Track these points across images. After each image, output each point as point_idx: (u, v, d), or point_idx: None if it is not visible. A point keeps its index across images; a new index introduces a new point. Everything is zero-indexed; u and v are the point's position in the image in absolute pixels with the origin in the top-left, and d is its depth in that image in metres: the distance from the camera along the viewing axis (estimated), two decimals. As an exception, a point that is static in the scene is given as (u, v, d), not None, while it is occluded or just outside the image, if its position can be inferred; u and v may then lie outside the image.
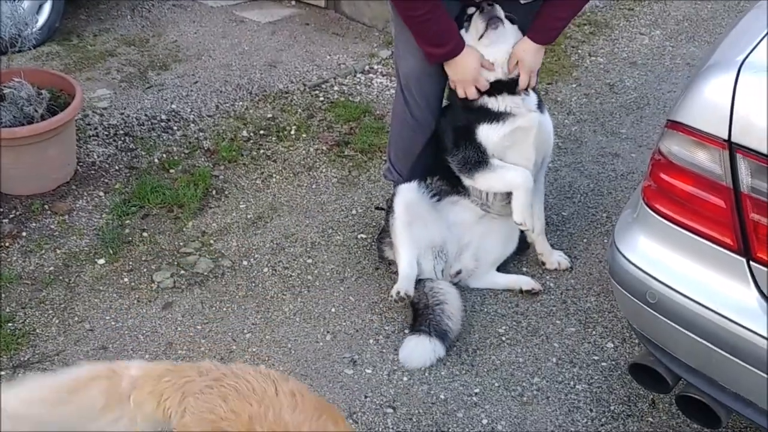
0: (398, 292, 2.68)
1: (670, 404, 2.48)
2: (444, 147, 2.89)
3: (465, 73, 2.71)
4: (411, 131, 2.97)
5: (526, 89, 2.75)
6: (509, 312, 2.89)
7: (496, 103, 2.75)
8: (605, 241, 3.29)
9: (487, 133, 2.75)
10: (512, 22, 2.73)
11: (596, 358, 2.68)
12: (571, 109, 4.38)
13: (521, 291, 2.95)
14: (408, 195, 2.86)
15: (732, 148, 1.66)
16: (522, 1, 2.66)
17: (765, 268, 1.71)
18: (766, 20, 1.91)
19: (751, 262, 1.73)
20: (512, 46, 2.71)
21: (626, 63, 4.95)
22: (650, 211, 1.89)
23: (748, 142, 1.64)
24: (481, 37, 2.69)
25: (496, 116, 2.74)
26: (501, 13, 2.69)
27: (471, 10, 2.71)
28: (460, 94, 2.76)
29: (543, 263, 3.09)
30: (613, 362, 2.66)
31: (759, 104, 1.63)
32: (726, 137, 1.66)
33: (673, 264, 1.84)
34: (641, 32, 5.43)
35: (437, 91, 2.92)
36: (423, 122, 2.94)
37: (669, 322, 1.85)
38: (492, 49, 2.71)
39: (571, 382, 2.58)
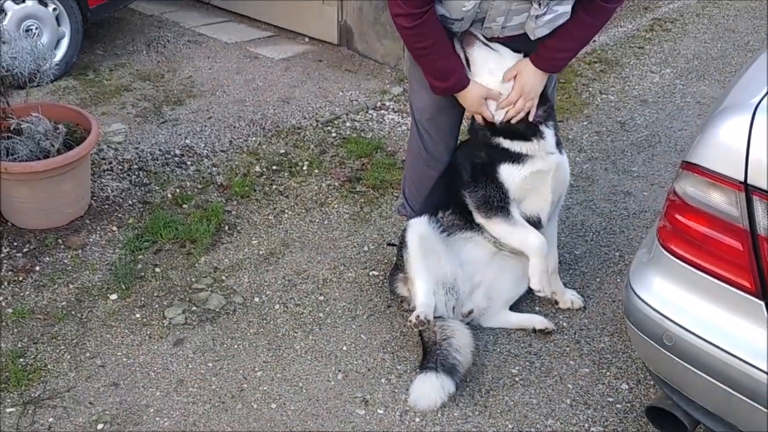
0: (417, 316, 2.62)
1: (687, 448, 2.44)
2: (461, 180, 2.88)
3: (470, 106, 2.76)
4: (425, 166, 2.98)
5: (537, 130, 2.74)
6: (522, 352, 2.87)
7: (523, 147, 2.74)
8: (618, 280, 3.27)
9: (509, 174, 2.73)
10: (517, 51, 2.74)
11: (611, 399, 2.65)
12: (583, 146, 4.39)
13: (534, 330, 2.92)
14: (420, 228, 2.85)
15: (748, 189, 1.66)
16: (532, 37, 2.67)
17: (784, 312, 1.69)
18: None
19: (770, 305, 1.71)
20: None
21: (637, 101, 4.97)
22: (665, 252, 1.88)
23: (765, 184, 1.63)
24: (467, 63, 2.71)
25: (516, 157, 2.74)
26: (478, 34, 2.70)
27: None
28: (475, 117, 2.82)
29: (556, 302, 3.07)
30: (629, 404, 2.62)
31: (775, 147, 1.63)
32: (742, 179, 1.66)
33: (690, 306, 1.83)
34: (652, 70, 5.47)
35: (452, 127, 2.94)
36: (437, 157, 2.95)
37: (686, 365, 1.83)
38: (489, 77, 2.71)
39: (586, 425, 2.55)
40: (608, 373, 2.76)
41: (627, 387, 2.70)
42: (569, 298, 3.07)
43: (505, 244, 2.85)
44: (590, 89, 5.10)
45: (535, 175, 2.76)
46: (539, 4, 2.52)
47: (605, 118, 4.75)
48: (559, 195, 2.92)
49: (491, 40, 2.71)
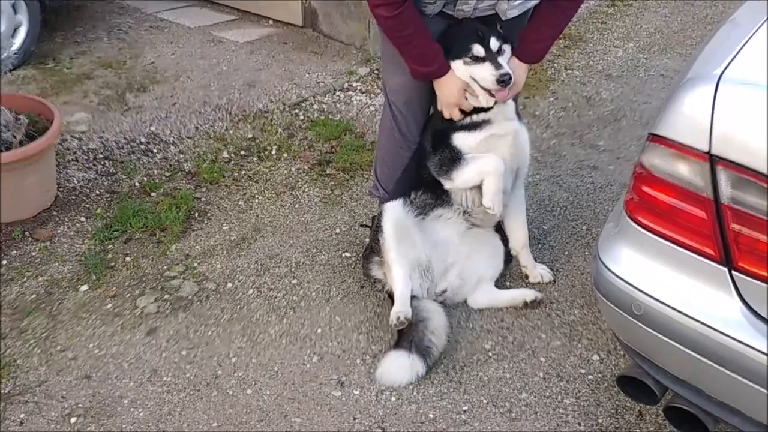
0: (398, 317, 2.65)
1: (657, 415, 2.49)
2: (426, 154, 2.91)
3: (450, 95, 2.74)
4: (398, 148, 2.99)
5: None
6: (495, 327, 2.90)
7: (476, 117, 2.78)
8: (586, 253, 3.31)
9: (463, 139, 2.78)
10: (507, 41, 2.71)
11: (583, 371, 2.69)
12: (549, 122, 4.43)
13: (526, 304, 2.94)
14: (395, 213, 2.86)
15: (713, 160, 1.69)
16: (503, 18, 2.69)
17: (747, 277, 1.73)
18: (738, 34, 1.95)
19: (733, 272, 1.75)
20: None
21: (602, 76, 5.02)
22: (633, 223, 1.91)
23: (728, 154, 1.66)
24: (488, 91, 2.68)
25: (473, 125, 2.78)
26: (504, 56, 2.68)
27: (478, 50, 2.64)
28: (446, 115, 2.79)
29: (526, 276, 3.11)
30: (600, 375, 2.67)
31: (738, 117, 1.66)
32: (707, 150, 1.69)
33: (658, 275, 1.85)
34: (615, 45, 5.52)
35: (425, 108, 2.94)
36: (410, 138, 2.96)
37: (655, 333, 1.86)
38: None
39: (559, 396, 2.59)
40: (579, 345, 2.81)
41: (598, 358, 2.75)
42: (539, 272, 3.10)
43: (474, 207, 2.86)
44: (555, 65, 5.13)
45: (491, 139, 2.78)
46: None
47: (571, 93, 4.79)
48: (519, 164, 2.92)
49: (462, 20, 2.71)
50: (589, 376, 2.67)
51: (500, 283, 3.09)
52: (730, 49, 1.82)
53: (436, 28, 2.71)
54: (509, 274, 3.14)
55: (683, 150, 1.74)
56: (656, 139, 1.81)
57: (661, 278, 1.85)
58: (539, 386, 2.63)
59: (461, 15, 2.70)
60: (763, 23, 1.90)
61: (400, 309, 2.69)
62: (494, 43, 2.66)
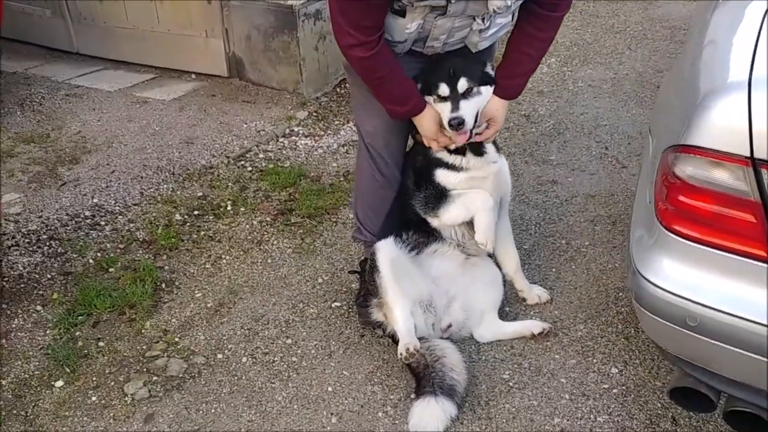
0: (407, 349, 2.54)
1: (690, 418, 2.50)
2: (407, 192, 2.87)
3: (426, 131, 2.71)
4: (381, 189, 2.92)
5: (480, 148, 2.77)
6: (507, 356, 2.84)
7: (458, 161, 2.76)
8: (573, 267, 3.33)
9: (446, 176, 2.76)
10: (486, 83, 2.67)
11: (606, 386, 2.67)
12: (497, 143, 4.45)
13: (533, 336, 2.88)
14: (389, 250, 2.78)
15: (755, 163, 1.71)
16: (474, 51, 2.67)
17: (800, 273, 1.75)
18: (728, 38, 2.01)
19: (787, 270, 1.77)
20: (482, 107, 2.67)
21: (534, 93, 5.12)
22: (671, 234, 1.91)
23: (770, 155, 1.69)
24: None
25: (454, 167, 2.76)
26: (476, 98, 2.61)
27: (443, 89, 2.59)
28: (426, 144, 2.75)
29: (524, 299, 3.09)
30: (624, 387, 2.66)
31: (776, 118, 1.69)
32: (748, 154, 1.71)
33: (709, 284, 1.85)
34: (538, 61, 5.65)
35: (403, 145, 2.90)
36: (392, 179, 2.90)
37: (713, 341, 1.85)
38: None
39: (591, 416, 2.55)
40: (595, 360, 2.79)
41: (617, 370, 2.74)
42: (536, 293, 3.09)
43: (466, 239, 2.84)
44: (488, 87, 5.19)
45: (472, 180, 2.77)
46: (482, 20, 2.51)
47: (509, 113, 4.81)
48: (502, 195, 2.93)
49: (432, 57, 2.68)
50: (614, 390, 2.65)
51: (500, 309, 3.05)
52: (739, 53, 1.86)
53: (408, 66, 2.67)
54: (506, 299, 3.10)
55: (722, 157, 1.75)
56: (689, 149, 1.81)
57: (714, 286, 1.84)
58: (569, 409, 2.59)
59: (431, 52, 2.67)
60: (761, 21, 1.95)
61: (408, 341, 2.59)
62: (462, 84, 2.58)
